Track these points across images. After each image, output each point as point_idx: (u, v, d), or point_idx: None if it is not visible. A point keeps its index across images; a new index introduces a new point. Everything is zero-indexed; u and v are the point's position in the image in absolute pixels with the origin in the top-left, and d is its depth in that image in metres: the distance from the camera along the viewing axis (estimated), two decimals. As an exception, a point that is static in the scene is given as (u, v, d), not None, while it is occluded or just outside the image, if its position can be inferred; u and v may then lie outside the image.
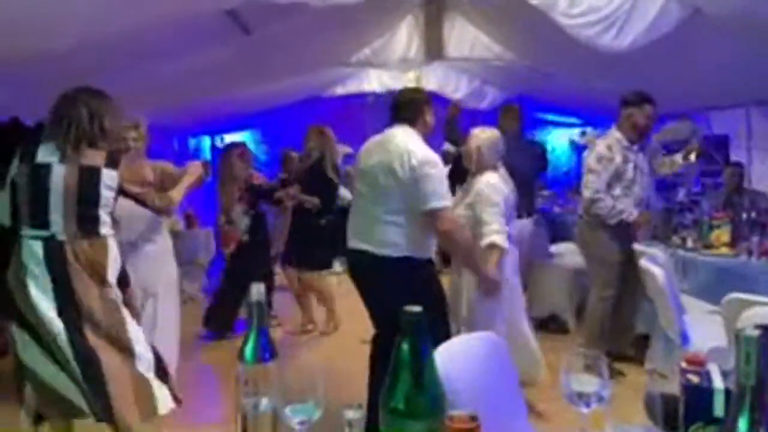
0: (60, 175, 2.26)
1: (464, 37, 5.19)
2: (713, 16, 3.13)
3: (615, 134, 3.59)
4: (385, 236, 2.48)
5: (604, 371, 1.05)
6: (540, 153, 4.90)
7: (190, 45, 3.73)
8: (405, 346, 0.76)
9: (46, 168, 2.27)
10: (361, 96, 7.32)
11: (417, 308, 0.78)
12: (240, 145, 4.85)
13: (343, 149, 4.98)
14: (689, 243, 3.90)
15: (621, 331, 3.80)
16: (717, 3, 3.06)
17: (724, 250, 3.65)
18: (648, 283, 3.14)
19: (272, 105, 6.91)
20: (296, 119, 7.50)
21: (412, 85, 6.56)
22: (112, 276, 2.33)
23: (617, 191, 3.53)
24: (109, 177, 2.36)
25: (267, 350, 0.97)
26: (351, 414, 1.02)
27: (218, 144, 8.13)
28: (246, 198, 4.51)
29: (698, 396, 0.89)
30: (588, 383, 1.04)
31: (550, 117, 8.06)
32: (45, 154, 2.29)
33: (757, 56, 3.64)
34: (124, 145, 2.80)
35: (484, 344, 1.55)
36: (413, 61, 5.45)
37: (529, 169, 4.39)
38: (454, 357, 1.36)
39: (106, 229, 2.37)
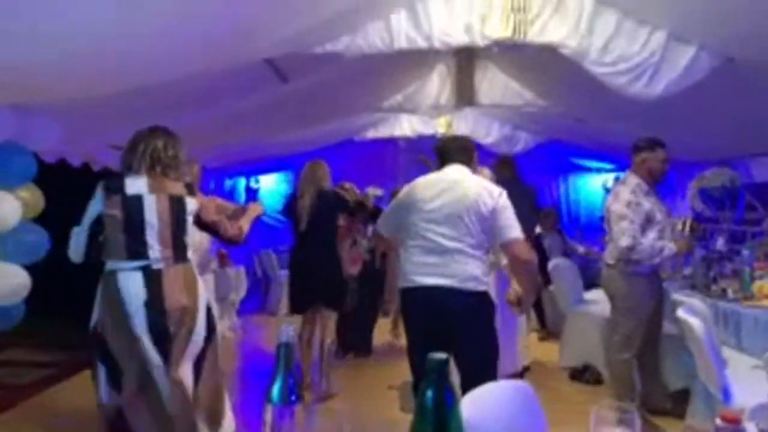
0: (152, 205, 2.38)
1: (495, 84, 5.26)
2: (746, 64, 3.11)
3: (633, 179, 3.55)
4: (466, 271, 2.54)
5: (636, 425, 1.02)
6: (531, 192, 5.12)
7: (231, 92, 3.90)
8: (429, 394, 0.76)
9: (138, 199, 2.38)
10: (392, 140, 7.45)
11: (442, 355, 0.78)
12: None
13: (374, 191, 5.03)
14: (730, 293, 3.77)
15: (652, 383, 3.67)
16: (749, 52, 3.05)
17: (767, 302, 3.52)
18: (686, 334, 3.03)
19: (306, 148, 7.08)
20: (329, 161, 7.65)
21: (442, 129, 6.66)
22: (201, 314, 2.43)
23: (651, 235, 3.45)
24: (191, 205, 2.50)
25: (293, 392, 0.98)
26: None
27: (252, 185, 8.33)
28: (360, 218, 4.60)
29: (734, 455, 0.85)
30: (619, 438, 1.01)
31: (583, 162, 8.01)
32: (132, 186, 2.40)
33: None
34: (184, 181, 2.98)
35: (513, 392, 1.52)
36: (444, 107, 5.53)
37: (525, 210, 4.47)
38: (483, 404, 1.34)
39: (191, 255, 2.51)
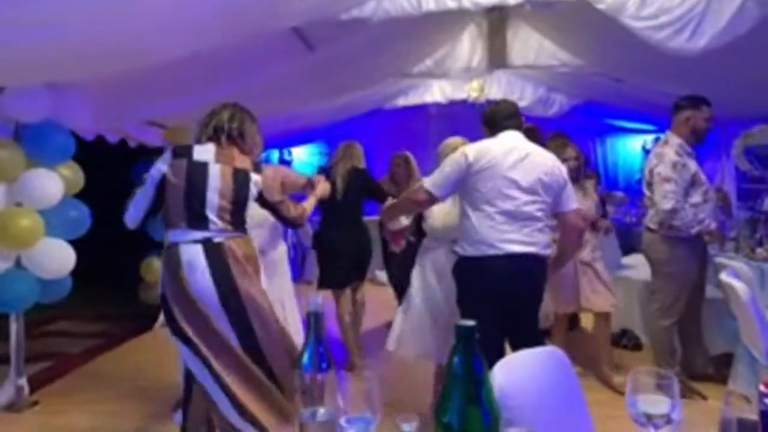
0: (217, 174, 2.33)
1: (528, 44, 5.09)
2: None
3: (675, 139, 3.37)
4: (544, 238, 2.64)
5: (675, 391, 0.99)
6: None
7: (260, 63, 3.89)
8: (458, 360, 0.75)
9: (204, 166, 2.33)
10: (423, 107, 7.33)
11: (471, 322, 0.77)
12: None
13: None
14: (776, 255, 3.63)
15: (693, 348, 3.59)
16: (803, -2, 2.86)
17: (816, 263, 3.37)
18: (730, 298, 2.94)
19: (336, 118, 7.05)
20: (360, 131, 7.62)
21: (475, 94, 6.52)
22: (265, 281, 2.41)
23: (696, 198, 3.31)
24: (254, 181, 2.43)
25: (324, 360, 0.99)
26: (407, 426, 1.02)
27: (286, 157, 8.38)
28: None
29: (778, 422, 0.82)
30: (657, 404, 0.99)
31: (621, 123, 7.76)
32: (200, 152, 2.37)
33: None
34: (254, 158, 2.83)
35: (546, 358, 1.50)
36: (476, 70, 5.40)
37: None
38: (515, 372, 1.33)
39: (251, 231, 2.49)
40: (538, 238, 2.59)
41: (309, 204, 2.79)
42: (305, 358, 0.99)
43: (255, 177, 2.44)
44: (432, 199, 2.69)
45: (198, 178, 2.31)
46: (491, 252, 2.54)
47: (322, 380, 0.98)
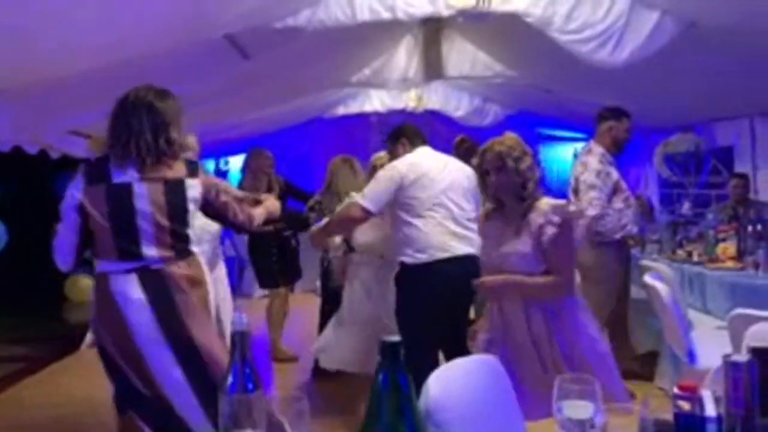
0: (145, 196, 1.99)
1: (463, 55, 5.20)
2: (709, 29, 3.13)
3: (599, 149, 3.55)
4: (478, 241, 2.68)
5: (597, 396, 1.03)
6: None
7: (193, 71, 3.77)
8: (383, 377, 0.74)
9: (128, 189, 1.99)
10: (362, 116, 7.36)
11: (396, 338, 0.76)
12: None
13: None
14: (695, 257, 3.85)
15: (621, 348, 3.76)
16: (712, 17, 3.06)
17: (731, 263, 3.60)
18: (653, 299, 3.09)
19: (276, 127, 6.95)
20: (300, 140, 7.55)
21: (413, 104, 6.61)
22: (213, 301, 2.14)
23: (618, 204, 3.48)
24: (192, 188, 2.08)
25: (250, 380, 0.96)
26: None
27: (222, 167, 8.18)
28: None
29: (690, 424, 0.86)
30: (581, 409, 1.02)
31: (553, 132, 8.05)
32: (119, 173, 2.01)
33: (756, 67, 3.63)
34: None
35: (480, 367, 1.52)
36: (413, 80, 5.47)
37: None
38: (450, 382, 1.34)
39: (196, 248, 2.13)
40: (475, 239, 2.70)
41: (258, 212, 2.45)
42: (230, 379, 0.95)
43: (191, 182, 2.08)
44: (367, 215, 2.75)
45: (123, 206, 1.98)
46: (442, 256, 2.65)
47: (248, 401, 0.95)
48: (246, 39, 3.43)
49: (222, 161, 8.16)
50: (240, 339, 0.96)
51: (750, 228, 3.65)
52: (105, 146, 2.52)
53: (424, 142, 2.94)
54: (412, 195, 2.70)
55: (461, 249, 2.68)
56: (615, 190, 3.47)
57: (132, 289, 1.97)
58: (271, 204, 2.59)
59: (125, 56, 2.90)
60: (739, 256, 3.63)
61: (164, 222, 2.01)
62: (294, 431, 0.95)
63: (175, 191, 2.05)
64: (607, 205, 3.43)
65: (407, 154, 2.86)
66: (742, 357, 0.64)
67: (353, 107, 7.02)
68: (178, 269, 2.02)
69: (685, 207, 5.08)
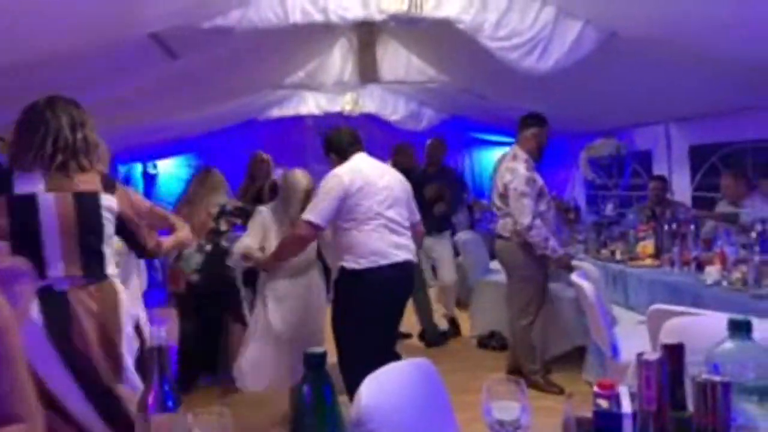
0: (50, 207, 1.81)
1: (397, 60, 5.24)
2: (629, 38, 3.29)
3: (523, 154, 3.65)
4: (413, 246, 2.92)
5: (524, 397, 1.04)
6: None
7: (117, 70, 3.60)
8: (308, 389, 0.72)
9: (31, 200, 1.81)
10: (298, 119, 7.28)
11: (321, 350, 0.75)
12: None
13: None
14: (618, 255, 4.05)
15: (546, 345, 3.94)
16: (632, 27, 3.23)
17: (649, 261, 3.81)
18: (580, 296, 3.22)
19: (207, 129, 6.75)
20: (234, 142, 7.36)
21: (349, 107, 6.60)
22: (125, 341, 1.89)
23: (542, 207, 3.61)
24: (108, 204, 1.93)
25: (170, 398, 0.91)
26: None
27: (150, 170, 7.87)
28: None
29: (608, 421, 0.89)
30: (508, 410, 1.03)
31: (485, 136, 8.27)
32: (23, 183, 1.83)
33: (673, 75, 3.86)
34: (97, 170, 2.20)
35: (412, 370, 1.52)
36: (348, 84, 5.46)
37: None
38: (382, 389, 1.33)
39: (111, 269, 1.95)
40: (411, 245, 2.88)
41: (168, 241, 2.32)
42: (150, 398, 0.91)
43: (106, 197, 1.93)
44: (315, 230, 2.78)
45: (25, 220, 1.81)
46: (384, 262, 2.73)
47: (168, 421, 0.90)
48: (173, 39, 3.31)
49: (150, 165, 7.85)
50: (158, 354, 0.91)
51: (666, 227, 3.87)
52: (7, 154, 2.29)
53: (359, 148, 2.95)
54: (354, 204, 2.74)
55: (400, 256, 2.78)
56: (539, 195, 3.61)
57: (32, 313, 1.78)
58: (183, 235, 2.42)
59: (38, 55, 2.72)
60: (657, 254, 3.84)
61: (73, 237, 1.84)
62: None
63: (88, 205, 1.89)
64: (535, 210, 3.53)
65: (344, 163, 2.87)
66: (654, 355, 0.67)
67: (288, 109, 6.93)
68: (85, 298, 1.84)
69: (609, 208, 5.34)
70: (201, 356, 3.91)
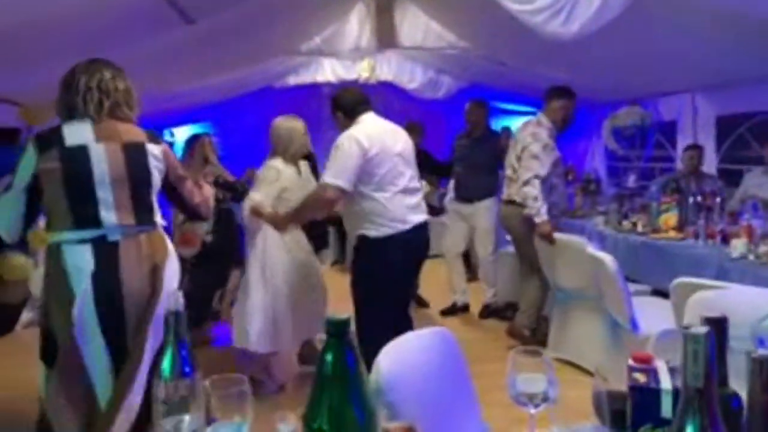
0: (102, 158, 1.84)
1: (416, 25, 5.12)
2: (655, 5, 3.15)
3: (548, 123, 3.65)
4: (423, 204, 2.94)
5: (550, 368, 1.01)
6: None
7: (131, 34, 3.54)
8: (330, 359, 0.69)
9: (83, 150, 1.84)
10: (314, 87, 7.18)
11: (344, 316, 0.71)
12: (208, 135, 4.43)
13: None
14: (639, 227, 3.97)
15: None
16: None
17: (672, 234, 3.72)
18: (597, 269, 3.16)
19: (223, 97, 6.70)
20: (249, 111, 7.31)
21: (366, 74, 6.48)
22: (165, 294, 1.87)
23: (556, 180, 3.65)
24: (155, 154, 1.96)
25: (187, 364, 0.89)
26: (284, 427, 0.95)
27: (168, 138, 7.86)
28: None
29: (645, 396, 0.85)
30: (535, 382, 1.00)
31: (505, 105, 8.10)
32: (72, 134, 1.86)
33: (701, 41, 3.71)
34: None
35: (431, 339, 1.49)
36: (365, 50, 5.35)
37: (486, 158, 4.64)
38: (401, 359, 1.30)
39: (159, 218, 1.98)
40: (423, 203, 2.92)
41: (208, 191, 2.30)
42: (165, 363, 0.89)
43: (152, 147, 1.96)
44: (342, 194, 2.72)
45: (78, 170, 1.83)
46: (403, 227, 2.72)
47: (185, 386, 0.88)
48: (189, 2, 3.24)
49: (167, 132, 7.84)
50: (175, 319, 0.89)
51: (691, 199, 3.77)
52: (39, 114, 2.31)
53: (367, 108, 2.86)
54: (371, 170, 2.69)
55: (417, 218, 2.79)
56: (555, 165, 3.60)
57: (84, 261, 1.83)
58: (207, 191, 2.41)
59: (51, 16, 2.67)
60: (681, 226, 3.75)
61: (124, 187, 1.88)
62: (236, 414, 0.89)
63: (136, 154, 1.93)
64: (541, 178, 3.53)
65: (353, 124, 2.79)
66: (701, 329, 0.62)
67: (305, 77, 6.83)
68: (136, 246, 1.88)
69: (631, 180, 5.22)
70: (208, 305, 4.17)
